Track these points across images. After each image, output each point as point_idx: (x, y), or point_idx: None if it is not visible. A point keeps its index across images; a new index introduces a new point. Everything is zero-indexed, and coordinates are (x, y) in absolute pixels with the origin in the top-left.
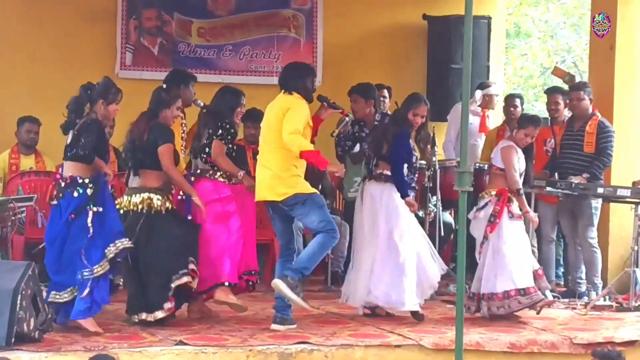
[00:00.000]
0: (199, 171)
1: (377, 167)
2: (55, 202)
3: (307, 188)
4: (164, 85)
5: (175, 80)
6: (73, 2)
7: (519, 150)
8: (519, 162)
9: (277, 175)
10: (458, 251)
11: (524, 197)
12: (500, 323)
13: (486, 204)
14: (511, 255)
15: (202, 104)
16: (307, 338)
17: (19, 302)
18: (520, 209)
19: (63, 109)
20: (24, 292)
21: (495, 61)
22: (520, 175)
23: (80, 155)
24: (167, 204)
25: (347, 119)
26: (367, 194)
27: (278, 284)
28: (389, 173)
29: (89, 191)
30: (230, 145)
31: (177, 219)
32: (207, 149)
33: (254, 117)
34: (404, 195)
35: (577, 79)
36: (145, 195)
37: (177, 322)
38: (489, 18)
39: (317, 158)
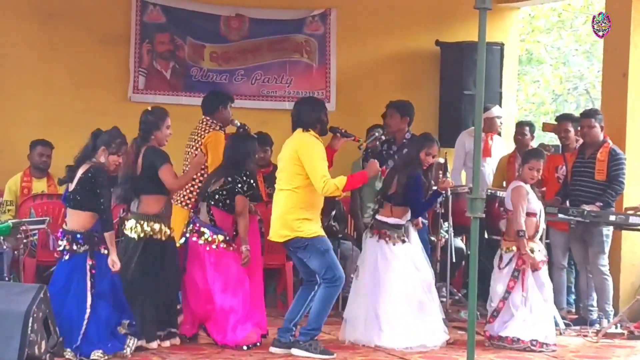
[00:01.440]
0: (190, 227)
1: (381, 209)
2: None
3: (310, 232)
4: (149, 108)
5: (213, 101)
6: (87, 26)
7: (529, 189)
8: (529, 201)
9: (281, 217)
10: (470, 277)
11: (524, 240)
12: (511, 350)
13: (510, 259)
14: (538, 308)
15: (239, 124)
16: None
17: (30, 324)
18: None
19: (76, 132)
20: (35, 315)
21: (507, 87)
22: (535, 214)
23: (100, 209)
24: (167, 231)
25: (377, 134)
26: (366, 247)
27: (294, 352)
28: (387, 220)
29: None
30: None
31: (174, 251)
32: (216, 197)
33: (264, 141)
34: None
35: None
36: (144, 223)
37: (187, 346)
38: (502, 44)
39: (357, 180)
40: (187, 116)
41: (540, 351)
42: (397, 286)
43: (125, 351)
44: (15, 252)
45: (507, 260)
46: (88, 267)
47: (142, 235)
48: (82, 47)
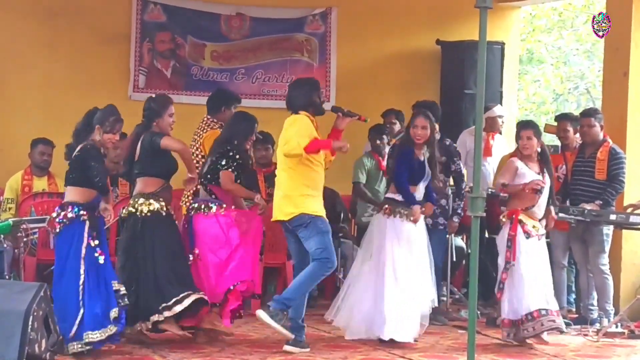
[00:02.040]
0: (195, 205)
1: (387, 190)
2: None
3: (314, 209)
4: (153, 95)
5: (217, 101)
6: (87, 24)
7: (522, 165)
8: (522, 176)
9: (286, 195)
10: (470, 276)
11: (510, 186)
12: (511, 350)
13: (502, 228)
14: (530, 277)
15: None
16: None
17: (30, 323)
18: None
19: None
20: (35, 314)
21: (508, 87)
22: (540, 190)
23: (95, 183)
24: (165, 208)
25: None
26: (374, 225)
27: (259, 314)
28: (394, 196)
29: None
30: (238, 172)
31: (174, 229)
32: (208, 176)
33: (264, 140)
34: (410, 203)
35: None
36: (143, 200)
37: (188, 345)
38: (503, 44)
39: (320, 145)
40: (187, 115)
41: (540, 323)
42: (398, 270)
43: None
44: (16, 250)
45: (502, 229)
46: (86, 235)
47: (140, 209)
48: (83, 45)
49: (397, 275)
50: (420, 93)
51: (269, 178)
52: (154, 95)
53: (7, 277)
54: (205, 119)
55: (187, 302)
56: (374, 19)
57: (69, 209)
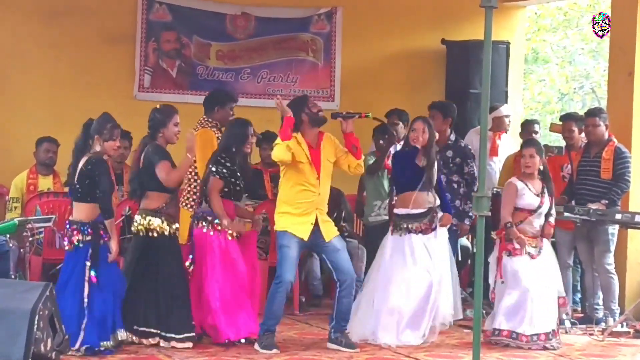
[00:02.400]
0: (198, 217)
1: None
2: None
3: (279, 226)
4: (158, 106)
5: (211, 100)
6: (92, 24)
7: (521, 185)
8: (521, 197)
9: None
10: (475, 276)
11: (512, 229)
12: (516, 349)
13: (494, 249)
14: (512, 296)
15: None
16: None
17: (36, 322)
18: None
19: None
20: (41, 313)
21: (513, 86)
22: (535, 210)
23: (98, 197)
24: (167, 227)
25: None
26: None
27: (258, 348)
28: (396, 211)
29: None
30: (232, 180)
31: (172, 248)
32: (204, 187)
33: (270, 139)
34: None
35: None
36: (145, 217)
37: (193, 345)
38: (508, 43)
39: (284, 128)
40: (193, 115)
41: (543, 346)
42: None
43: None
44: (21, 250)
45: (495, 248)
46: (88, 264)
47: (140, 229)
48: (88, 45)
49: (398, 284)
50: (426, 93)
51: (275, 178)
52: (158, 106)
53: (12, 276)
54: (201, 119)
55: (183, 345)
56: (379, 18)
57: (80, 233)
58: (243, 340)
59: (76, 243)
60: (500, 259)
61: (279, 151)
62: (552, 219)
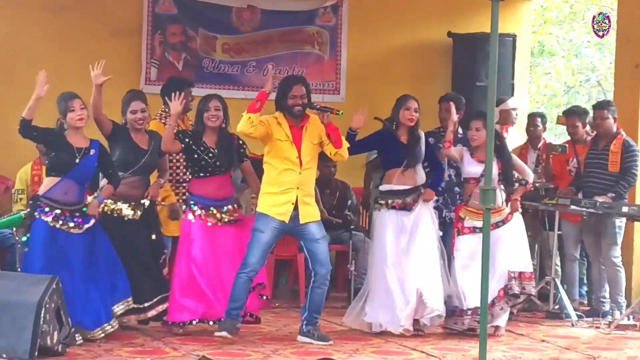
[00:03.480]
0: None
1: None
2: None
3: (260, 207)
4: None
5: (162, 91)
6: (98, 17)
7: (466, 152)
8: (465, 164)
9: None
10: (482, 268)
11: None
12: (523, 341)
13: None
14: (463, 274)
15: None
16: (330, 355)
17: (42, 315)
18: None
19: (88, 123)
20: (47, 306)
21: (520, 79)
22: (473, 179)
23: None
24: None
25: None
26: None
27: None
28: (385, 188)
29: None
30: (194, 156)
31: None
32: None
33: None
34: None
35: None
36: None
37: (199, 337)
38: (514, 36)
39: (256, 100)
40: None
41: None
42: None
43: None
44: None
45: None
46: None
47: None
48: (94, 38)
49: (388, 264)
50: (432, 85)
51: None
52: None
53: (19, 269)
54: (160, 110)
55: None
56: (385, 11)
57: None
58: (195, 322)
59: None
60: (454, 236)
61: (241, 122)
62: (515, 192)
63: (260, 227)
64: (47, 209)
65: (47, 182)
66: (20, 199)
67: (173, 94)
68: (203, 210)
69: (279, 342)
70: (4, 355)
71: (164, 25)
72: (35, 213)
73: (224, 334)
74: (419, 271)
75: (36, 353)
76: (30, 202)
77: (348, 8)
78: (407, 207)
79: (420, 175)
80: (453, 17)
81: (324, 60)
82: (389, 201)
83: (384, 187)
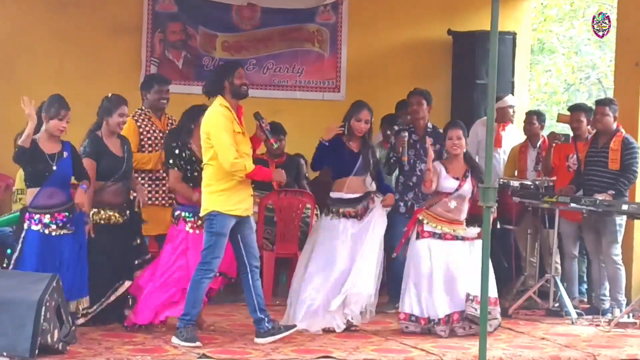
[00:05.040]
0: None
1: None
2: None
3: (219, 206)
4: (109, 94)
5: (140, 89)
6: (98, 15)
7: (441, 168)
8: (441, 179)
9: (203, 191)
10: (482, 267)
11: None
12: (523, 339)
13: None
14: (407, 278)
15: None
16: (330, 353)
17: (43, 313)
18: None
19: (88, 121)
20: (48, 304)
21: (520, 77)
22: (446, 194)
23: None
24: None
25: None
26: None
27: (173, 341)
28: (334, 195)
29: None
30: (188, 167)
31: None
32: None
33: (277, 130)
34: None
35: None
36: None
37: (200, 335)
38: (514, 34)
39: (261, 174)
40: None
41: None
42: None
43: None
44: None
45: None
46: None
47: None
48: (94, 36)
49: (317, 267)
50: (432, 84)
51: (281, 168)
52: (109, 95)
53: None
54: (137, 109)
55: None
56: (385, 9)
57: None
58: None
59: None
60: (406, 236)
61: (238, 168)
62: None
63: (224, 230)
64: (36, 217)
65: (30, 194)
66: (20, 199)
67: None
68: (198, 220)
69: (279, 340)
70: (5, 354)
71: (164, 23)
72: (25, 225)
73: (197, 344)
74: (352, 277)
75: (37, 351)
76: (19, 214)
77: (348, 6)
78: (357, 216)
79: (369, 182)
80: (453, 14)
81: (324, 58)
82: (340, 209)
83: (334, 195)
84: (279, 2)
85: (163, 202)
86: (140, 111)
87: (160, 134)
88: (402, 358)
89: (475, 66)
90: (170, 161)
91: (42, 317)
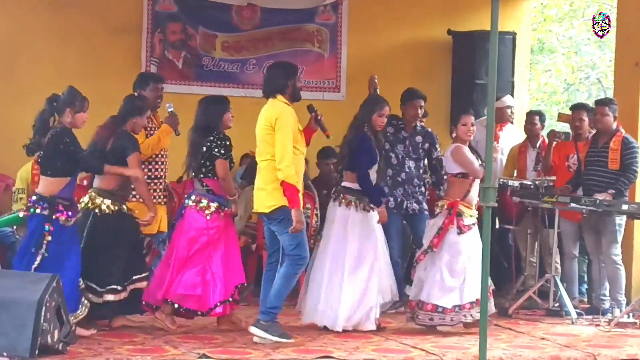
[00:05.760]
0: (190, 201)
1: (341, 178)
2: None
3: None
4: (136, 93)
5: (134, 86)
6: (98, 15)
7: (467, 149)
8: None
9: (261, 188)
10: (482, 266)
11: (475, 191)
12: (523, 339)
13: (438, 214)
14: (446, 272)
15: (170, 109)
16: (331, 353)
17: (43, 314)
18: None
19: (88, 121)
20: (48, 304)
21: (519, 77)
22: (469, 176)
23: (90, 166)
24: (114, 207)
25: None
26: (335, 216)
27: (253, 331)
28: (351, 185)
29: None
30: (230, 161)
31: (126, 226)
32: (203, 169)
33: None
34: (376, 203)
35: (602, 96)
36: (95, 197)
37: (200, 335)
38: (514, 34)
39: (293, 195)
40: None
41: (450, 318)
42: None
43: (79, 311)
44: None
45: (436, 212)
46: (45, 231)
47: (91, 207)
48: (94, 36)
49: (355, 266)
50: (432, 83)
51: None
52: (135, 94)
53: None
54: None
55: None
56: (385, 9)
57: (36, 204)
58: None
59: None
60: (445, 231)
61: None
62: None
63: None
64: (62, 209)
65: (59, 182)
66: (21, 199)
67: None
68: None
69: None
70: (5, 354)
71: (163, 24)
72: (47, 212)
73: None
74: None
75: (37, 351)
76: (45, 204)
77: (348, 6)
78: (366, 208)
79: (373, 177)
80: (453, 15)
81: (324, 58)
82: (354, 200)
83: (348, 184)
84: (278, 2)
85: (159, 200)
86: None
87: None
88: (402, 358)
89: (475, 66)
90: (222, 151)
91: (42, 318)
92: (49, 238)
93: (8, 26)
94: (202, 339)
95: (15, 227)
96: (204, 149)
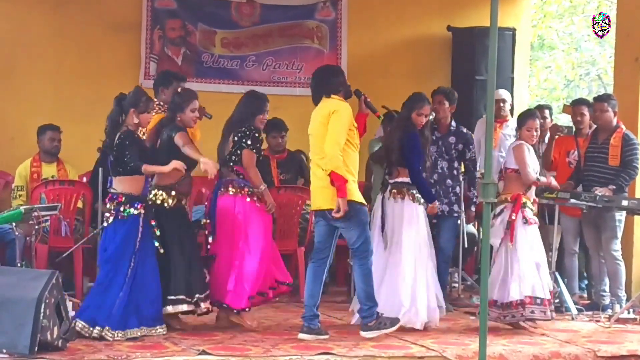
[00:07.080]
0: (222, 189)
1: (391, 175)
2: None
3: (359, 197)
4: (179, 89)
5: (155, 83)
6: (97, 12)
7: (531, 148)
8: (531, 159)
9: (324, 185)
10: (482, 263)
11: (532, 190)
12: (523, 335)
13: (502, 210)
14: (526, 262)
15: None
16: (330, 349)
17: (42, 310)
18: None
19: (87, 119)
20: (47, 301)
21: (519, 73)
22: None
23: (130, 168)
24: (171, 201)
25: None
26: (403, 212)
27: (366, 335)
28: (405, 180)
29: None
30: (259, 154)
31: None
32: (234, 157)
33: (278, 127)
34: (429, 200)
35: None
36: (158, 192)
37: (200, 332)
38: (514, 30)
39: (341, 185)
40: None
41: (530, 310)
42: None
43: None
44: (27, 238)
45: (498, 210)
46: (141, 229)
47: (155, 201)
48: (93, 33)
49: (415, 260)
50: (431, 80)
51: (282, 164)
52: (179, 89)
53: (18, 264)
54: (154, 104)
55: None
56: (385, 5)
57: (128, 203)
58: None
59: (125, 213)
60: (514, 225)
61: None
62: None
63: (366, 218)
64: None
65: (140, 181)
66: (20, 195)
67: None
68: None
69: (280, 337)
70: (4, 351)
71: (163, 20)
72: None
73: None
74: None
75: (36, 348)
76: (137, 204)
77: (347, 2)
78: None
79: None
80: (453, 11)
81: (324, 54)
82: (409, 191)
83: (401, 179)
84: None
85: None
86: (159, 106)
87: None
88: (402, 354)
89: (475, 62)
90: (249, 142)
91: (42, 314)
92: (157, 232)
93: (7, 24)
94: (202, 335)
95: (14, 223)
96: (236, 138)
